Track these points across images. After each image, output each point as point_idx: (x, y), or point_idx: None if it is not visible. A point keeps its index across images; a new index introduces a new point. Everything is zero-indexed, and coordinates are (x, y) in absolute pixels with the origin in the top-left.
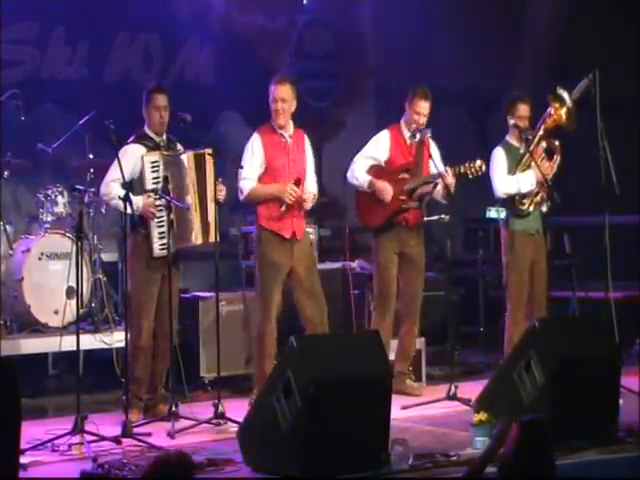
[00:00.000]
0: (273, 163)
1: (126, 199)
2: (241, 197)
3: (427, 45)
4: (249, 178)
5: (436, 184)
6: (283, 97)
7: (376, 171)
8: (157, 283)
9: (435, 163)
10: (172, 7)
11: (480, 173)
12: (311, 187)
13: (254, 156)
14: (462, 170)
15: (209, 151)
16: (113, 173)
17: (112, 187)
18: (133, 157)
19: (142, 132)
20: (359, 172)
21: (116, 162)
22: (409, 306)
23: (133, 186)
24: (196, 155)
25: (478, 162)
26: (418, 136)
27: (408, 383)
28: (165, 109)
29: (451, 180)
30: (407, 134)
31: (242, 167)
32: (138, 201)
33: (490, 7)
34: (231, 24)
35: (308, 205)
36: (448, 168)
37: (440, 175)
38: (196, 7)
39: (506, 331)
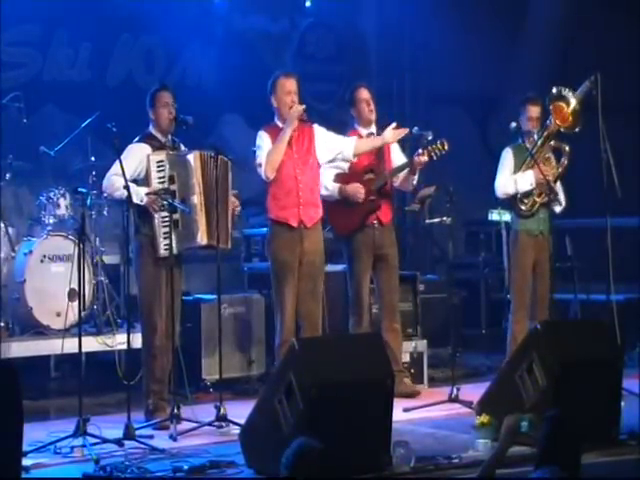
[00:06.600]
0: None
1: (127, 188)
2: (261, 171)
3: (428, 47)
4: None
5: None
6: (296, 90)
7: (342, 177)
8: (164, 282)
9: (396, 156)
10: (174, 9)
11: (444, 151)
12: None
13: (265, 149)
14: (426, 154)
15: (229, 161)
16: (116, 167)
17: (114, 180)
18: (138, 155)
19: (148, 132)
20: (327, 182)
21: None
22: (387, 305)
23: (139, 185)
24: (202, 155)
25: (439, 142)
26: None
27: (406, 382)
28: (173, 106)
29: (421, 161)
30: (364, 133)
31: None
32: (141, 191)
33: (491, 9)
34: (233, 26)
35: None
36: (414, 157)
37: (410, 163)
38: (198, 9)
39: (509, 329)
